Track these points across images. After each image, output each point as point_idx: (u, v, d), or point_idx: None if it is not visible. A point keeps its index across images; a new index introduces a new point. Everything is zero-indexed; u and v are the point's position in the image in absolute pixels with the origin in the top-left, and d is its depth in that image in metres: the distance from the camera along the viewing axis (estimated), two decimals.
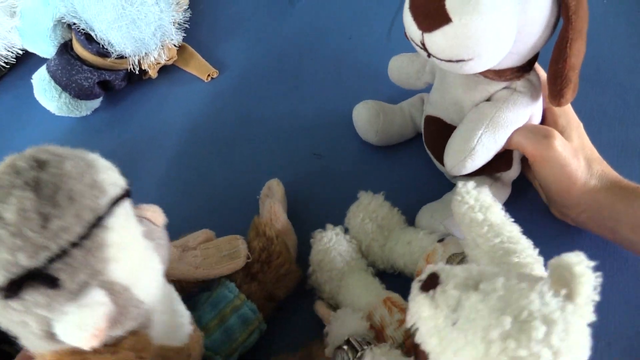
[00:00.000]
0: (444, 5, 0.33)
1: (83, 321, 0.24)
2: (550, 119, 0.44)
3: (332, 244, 0.43)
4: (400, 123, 0.53)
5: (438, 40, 0.35)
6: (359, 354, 0.35)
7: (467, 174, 0.43)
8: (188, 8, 0.66)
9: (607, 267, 0.44)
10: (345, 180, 0.53)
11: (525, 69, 0.40)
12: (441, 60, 0.36)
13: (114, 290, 0.25)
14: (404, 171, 0.53)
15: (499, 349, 0.24)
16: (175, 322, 0.34)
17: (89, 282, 0.24)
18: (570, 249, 0.46)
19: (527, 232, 0.46)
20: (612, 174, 0.42)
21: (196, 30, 0.69)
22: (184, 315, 0.35)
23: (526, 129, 0.41)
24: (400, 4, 0.66)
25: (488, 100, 0.42)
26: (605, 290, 0.43)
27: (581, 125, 0.44)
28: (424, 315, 0.28)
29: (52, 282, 0.23)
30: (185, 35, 0.65)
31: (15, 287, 0.23)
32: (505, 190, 0.46)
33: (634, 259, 0.44)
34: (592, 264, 0.25)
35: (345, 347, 0.36)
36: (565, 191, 0.41)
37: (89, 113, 0.64)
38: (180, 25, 0.64)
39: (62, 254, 0.23)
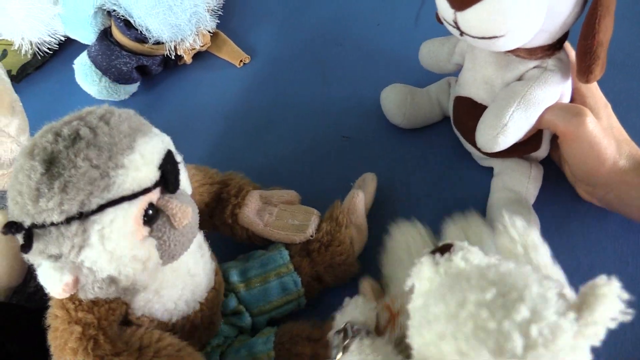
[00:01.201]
0: None
1: (48, 279, 0.28)
2: (578, 99, 0.44)
3: (405, 239, 0.43)
4: (428, 106, 0.54)
5: (471, 18, 0.35)
6: (347, 341, 0.34)
7: (497, 152, 0.43)
8: None
9: (632, 248, 0.45)
10: (373, 161, 0.54)
11: (555, 47, 0.40)
12: (474, 37, 0.37)
13: (80, 270, 0.29)
14: (431, 153, 0.54)
15: (469, 313, 0.23)
16: (163, 304, 0.35)
17: (60, 256, 0.28)
18: (597, 230, 0.46)
19: (553, 213, 0.47)
20: None
21: (229, 18, 0.71)
22: (182, 299, 0.36)
23: (557, 107, 0.41)
24: None
25: (519, 79, 0.42)
26: (630, 269, 0.44)
27: (609, 105, 0.44)
28: (423, 275, 0.28)
29: (27, 243, 0.27)
30: (218, 22, 0.67)
31: (11, 228, 0.27)
32: (541, 170, 0.48)
33: None
34: (623, 294, 0.23)
35: (340, 331, 0.35)
36: (594, 170, 0.42)
37: (127, 97, 0.66)
38: (214, 12, 0.66)
39: (42, 226, 0.27)
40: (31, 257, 0.29)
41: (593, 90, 0.44)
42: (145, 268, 0.30)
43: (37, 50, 0.66)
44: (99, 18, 0.63)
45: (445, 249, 0.28)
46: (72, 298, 0.31)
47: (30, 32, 0.63)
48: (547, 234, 0.44)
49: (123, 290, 0.32)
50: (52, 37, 0.65)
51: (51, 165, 0.27)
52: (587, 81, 0.39)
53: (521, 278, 0.24)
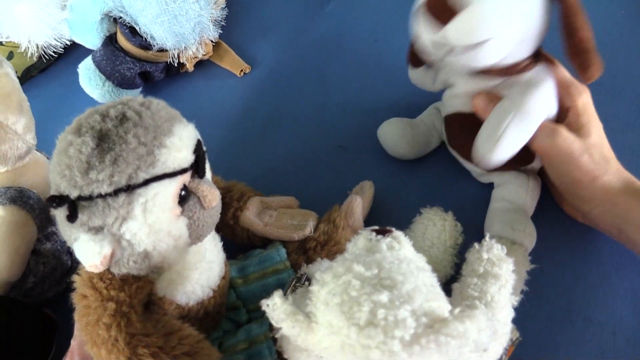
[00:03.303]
0: None
1: (86, 251, 0.29)
2: (572, 118, 0.43)
3: (426, 223, 0.46)
4: (427, 132, 0.54)
5: (459, 26, 0.37)
6: (298, 285, 0.38)
7: (495, 168, 0.44)
8: (225, 7, 0.69)
9: (615, 261, 0.46)
10: (368, 171, 0.56)
11: (533, 57, 0.42)
12: (463, 49, 0.39)
13: (120, 242, 0.30)
14: (426, 165, 0.55)
15: (348, 278, 0.28)
16: (185, 287, 0.36)
17: (102, 228, 0.29)
18: (582, 246, 0.48)
19: (538, 228, 0.48)
20: (628, 174, 0.42)
21: (231, 28, 0.72)
22: (199, 283, 0.38)
23: None
24: None
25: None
26: (613, 282, 0.45)
27: (601, 126, 0.44)
28: (357, 244, 0.32)
29: (73, 213, 0.29)
30: (221, 32, 0.68)
31: (53, 202, 0.28)
32: (539, 182, 0.49)
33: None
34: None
35: (297, 276, 0.39)
36: (578, 183, 0.42)
37: None
38: (217, 22, 0.67)
39: (89, 198, 0.28)
40: (71, 230, 0.30)
41: (587, 109, 0.44)
42: (176, 246, 0.33)
43: (43, 53, 0.67)
44: (105, 24, 0.65)
45: (384, 232, 0.32)
46: (103, 277, 0.32)
47: (37, 35, 0.65)
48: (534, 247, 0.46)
49: (152, 268, 0.33)
50: (58, 41, 0.67)
51: (101, 141, 0.29)
52: (590, 77, 0.40)
53: (405, 277, 0.27)
